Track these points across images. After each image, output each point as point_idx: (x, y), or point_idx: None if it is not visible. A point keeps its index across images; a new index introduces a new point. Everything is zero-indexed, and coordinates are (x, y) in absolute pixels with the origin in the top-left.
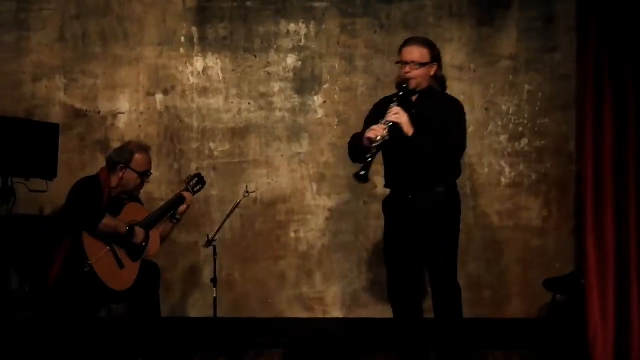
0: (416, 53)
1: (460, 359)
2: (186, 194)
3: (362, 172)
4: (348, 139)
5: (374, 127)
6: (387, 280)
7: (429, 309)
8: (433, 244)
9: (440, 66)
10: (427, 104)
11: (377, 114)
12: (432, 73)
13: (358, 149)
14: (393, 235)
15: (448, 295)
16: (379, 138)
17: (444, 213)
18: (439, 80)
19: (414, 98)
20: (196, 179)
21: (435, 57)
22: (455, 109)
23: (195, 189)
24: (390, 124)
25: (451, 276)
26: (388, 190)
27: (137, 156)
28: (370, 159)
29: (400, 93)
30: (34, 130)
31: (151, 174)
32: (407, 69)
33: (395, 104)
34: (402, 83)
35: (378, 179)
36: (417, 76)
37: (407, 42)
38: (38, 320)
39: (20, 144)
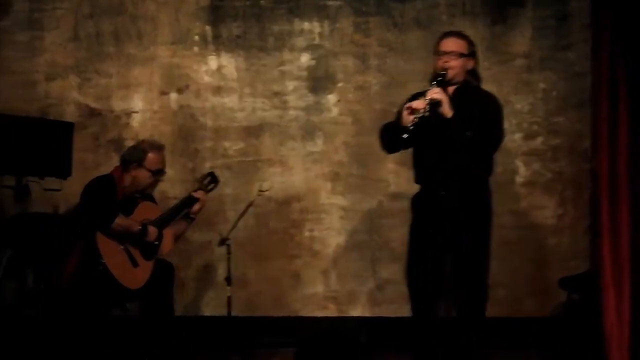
0: (455, 44)
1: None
2: (199, 194)
3: (405, 135)
4: (362, 138)
5: (415, 101)
6: (408, 276)
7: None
8: (465, 245)
9: (477, 62)
10: (464, 98)
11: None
12: (469, 67)
13: (392, 131)
14: (421, 232)
15: (475, 298)
16: (421, 110)
17: (478, 214)
18: (475, 75)
19: (450, 90)
20: (209, 177)
21: (473, 52)
22: (493, 102)
23: (209, 188)
24: (431, 101)
25: (481, 278)
26: (401, 189)
27: (150, 155)
28: (412, 127)
29: (439, 78)
30: (48, 129)
31: (164, 172)
32: (446, 58)
33: (435, 84)
34: (439, 72)
35: (391, 177)
36: (455, 66)
37: (447, 34)
38: (52, 318)
39: (35, 143)
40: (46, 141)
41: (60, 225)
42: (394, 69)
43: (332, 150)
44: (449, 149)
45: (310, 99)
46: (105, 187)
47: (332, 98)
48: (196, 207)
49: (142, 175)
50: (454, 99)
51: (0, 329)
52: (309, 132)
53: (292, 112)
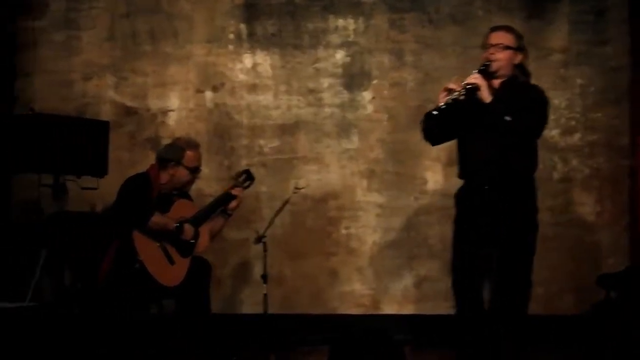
0: (502, 37)
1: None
2: (236, 191)
3: (434, 112)
4: (397, 135)
5: (451, 83)
6: (452, 273)
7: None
8: (508, 240)
9: (526, 57)
10: (510, 91)
11: None
12: (516, 61)
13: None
14: (465, 228)
15: (518, 296)
16: (456, 92)
17: (524, 211)
18: (524, 71)
19: (496, 84)
20: (245, 175)
21: (522, 47)
22: (537, 94)
23: (245, 185)
24: (469, 85)
25: (525, 276)
26: (437, 186)
27: (188, 153)
28: (444, 107)
29: (481, 68)
30: (85, 128)
31: (201, 170)
32: (492, 50)
33: (475, 71)
34: (484, 63)
35: (428, 174)
36: (501, 59)
37: (495, 28)
38: (90, 317)
39: (71, 142)
40: (83, 140)
41: (97, 224)
42: (430, 65)
43: (368, 147)
44: (491, 140)
45: (346, 96)
46: (141, 185)
47: (367, 95)
48: (233, 204)
49: (181, 174)
50: (498, 92)
51: (38, 327)
52: (344, 129)
53: (327, 110)
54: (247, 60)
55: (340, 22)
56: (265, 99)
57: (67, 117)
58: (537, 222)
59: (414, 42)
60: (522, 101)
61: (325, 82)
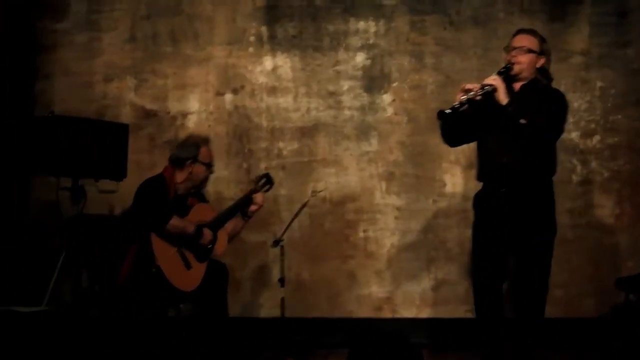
0: (525, 40)
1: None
2: (257, 196)
3: (448, 111)
4: (417, 137)
5: (468, 84)
6: (474, 279)
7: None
8: (526, 243)
9: (548, 61)
10: (529, 95)
11: None
12: (538, 64)
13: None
14: (484, 231)
15: (536, 299)
16: (471, 93)
17: (542, 213)
18: (545, 74)
19: (517, 87)
20: (264, 179)
21: (545, 51)
22: (557, 98)
23: (264, 189)
24: (486, 87)
25: (543, 280)
26: (456, 189)
27: (203, 149)
28: (457, 106)
29: (502, 70)
30: (104, 131)
31: (214, 165)
32: (514, 53)
33: (495, 74)
34: (505, 65)
35: (447, 177)
36: (523, 62)
37: (519, 31)
38: (108, 319)
39: (90, 144)
40: (102, 143)
41: (115, 227)
42: (450, 68)
43: (387, 150)
44: (509, 143)
45: (365, 98)
46: (157, 188)
47: (387, 97)
48: (253, 207)
49: (198, 170)
50: (517, 94)
51: (58, 328)
52: (363, 132)
53: (347, 112)
54: (268, 62)
55: (361, 24)
56: (285, 101)
57: (86, 120)
58: (555, 226)
59: (434, 45)
60: (541, 105)
61: (345, 84)
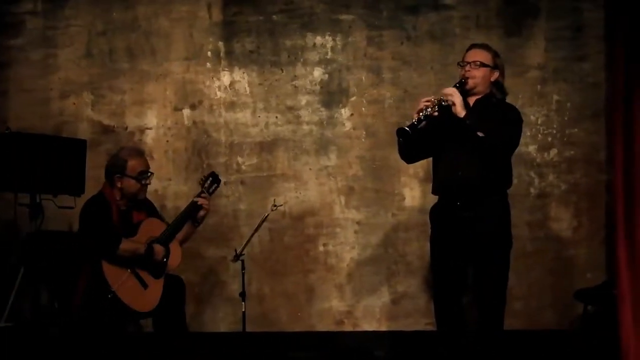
0: (478, 55)
1: None
2: (201, 200)
3: (407, 128)
4: (376, 152)
5: (424, 99)
6: (433, 291)
7: None
8: (482, 255)
9: (502, 75)
10: (483, 109)
11: None
12: (492, 78)
13: (405, 129)
14: (440, 244)
15: (494, 311)
16: (429, 110)
17: (496, 225)
18: (500, 88)
19: (471, 101)
20: (210, 178)
21: (498, 65)
22: (512, 113)
23: (211, 190)
24: (444, 102)
25: (500, 291)
26: (415, 203)
27: (130, 162)
28: (415, 122)
29: (457, 85)
30: (62, 147)
31: (151, 173)
32: (468, 68)
33: (452, 87)
34: (460, 80)
35: (406, 191)
36: (477, 76)
37: (472, 46)
38: (67, 336)
39: (48, 160)
40: (60, 159)
41: (73, 244)
42: (408, 82)
43: (346, 164)
44: (463, 157)
45: (324, 113)
46: (99, 210)
47: (345, 112)
48: (201, 213)
49: (128, 184)
50: (474, 109)
51: (18, 345)
52: (322, 146)
53: (305, 127)
54: (225, 77)
55: (319, 39)
56: (243, 116)
57: (44, 136)
58: (510, 238)
59: (391, 59)
60: (495, 119)
61: (304, 99)
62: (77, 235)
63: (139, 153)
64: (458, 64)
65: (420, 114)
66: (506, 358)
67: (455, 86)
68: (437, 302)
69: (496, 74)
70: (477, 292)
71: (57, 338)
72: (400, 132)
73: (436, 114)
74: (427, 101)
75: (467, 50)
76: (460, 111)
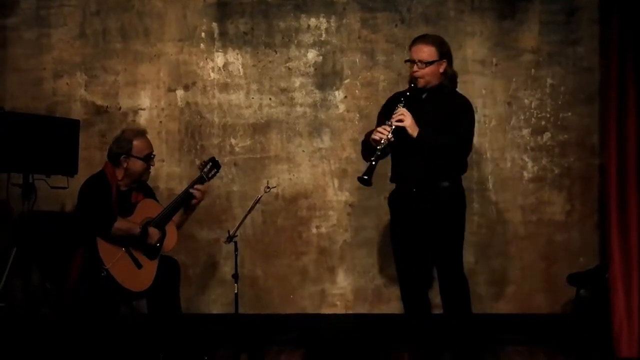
0: (423, 52)
1: (470, 351)
2: (195, 192)
3: (365, 177)
4: None
5: (379, 128)
6: (397, 275)
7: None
8: (437, 237)
9: (450, 62)
10: (436, 102)
11: (388, 109)
12: (441, 70)
13: (368, 149)
14: (398, 229)
15: (455, 288)
16: (383, 141)
17: (447, 207)
18: (450, 77)
19: (423, 96)
20: (210, 163)
21: (444, 53)
22: (463, 107)
23: (210, 174)
24: (394, 126)
25: (457, 269)
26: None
27: (135, 143)
28: (374, 162)
29: (407, 93)
30: (55, 127)
31: (154, 155)
32: (415, 67)
33: (401, 104)
34: (410, 82)
35: None
36: (425, 74)
37: (415, 41)
38: (59, 317)
39: (41, 140)
40: (53, 139)
41: (66, 224)
42: (401, 65)
43: (340, 147)
44: (417, 148)
45: (317, 95)
46: (99, 188)
47: (339, 94)
48: (194, 202)
49: (134, 165)
50: (426, 101)
51: (9, 326)
52: (316, 128)
53: (299, 109)
54: (219, 59)
55: (313, 21)
56: (237, 98)
57: (37, 116)
58: (463, 221)
59: (385, 42)
60: (448, 111)
61: (297, 81)
62: (75, 212)
63: (144, 134)
64: (405, 61)
65: (378, 147)
66: (498, 341)
67: (407, 91)
68: (403, 288)
69: (444, 65)
70: (438, 275)
71: (49, 318)
72: (362, 181)
73: (392, 139)
74: (381, 132)
75: (411, 45)
76: (413, 131)
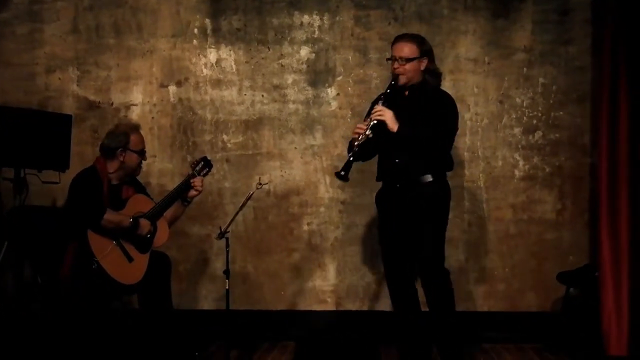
0: (404, 49)
1: (454, 346)
2: (196, 180)
3: (342, 172)
4: None
5: (358, 125)
6: (384, 271)
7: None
8: (417, 231)
9: (432, 60)
10: (418, 99)
11: (372, 109)
12: (422, 67)
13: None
14: (386, 226)
15: (436, 283)
16: (361, 137)
17: (428, 201)
18: (432, 74)
19: (405, 93)
20: (202, 162)
21: (425, 51)
22: (445, 103)
23: (202, 173)
24: (374, 122)
25: (437, 264)
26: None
27: (132, 137)
28: (351, 158)
29: (388, 90)
30: (47, 122)
31: (146, 151)
32: (396, 65)
33: (380, 102)
34: (392, 80)
35: None
36: (406, 71)
37: (396, 39)
38: (50, 312)
39: (33, 135)
40: (44, 134)
41: (58, 219)
42: None
43: (332, 144)
44: (400, 146)
45: (310, 92)
46: (90, 182)
47: (331, 91)
48: (193, 192)
49: (130, 158)
50: (409, 98)
51: (1, 321)
52: (308, 125)
53: (291, 106)
54: (212, 55)
55: (306, 18)
56: (229, 94)
57: (29, 110)
58: (446, 217)
59: (378, 40)
60: (431, 108)
61: (290, 78)
62: (65, 205)
63: (138, 129)
64: (387, 60)
65: (356, 144)
66: (488, 339)
67: (388, 88)
68: (390, 284)
69: (425, 62)
70: (419, 269)
71: (40, 313)
72: (339, 176)
73: (371, 136)
74: (359, 129)
75: (393, 43)
76: (393, 126)
